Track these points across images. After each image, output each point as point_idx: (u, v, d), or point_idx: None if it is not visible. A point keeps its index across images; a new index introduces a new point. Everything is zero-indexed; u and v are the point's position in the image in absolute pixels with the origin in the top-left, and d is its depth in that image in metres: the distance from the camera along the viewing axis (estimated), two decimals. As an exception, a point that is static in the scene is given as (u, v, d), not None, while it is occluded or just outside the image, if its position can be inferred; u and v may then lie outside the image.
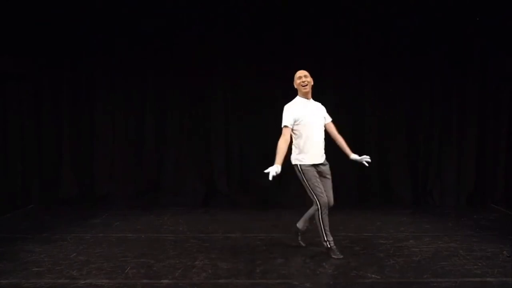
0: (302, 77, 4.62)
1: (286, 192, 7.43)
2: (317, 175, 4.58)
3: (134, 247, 4.98)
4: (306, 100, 4.66)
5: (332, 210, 4.75)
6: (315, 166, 4.58)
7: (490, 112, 7.27)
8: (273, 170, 4.19)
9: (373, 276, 4.08)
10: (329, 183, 4.67)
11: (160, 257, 4.63)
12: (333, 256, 4.57)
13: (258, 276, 4.12)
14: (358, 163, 4.81)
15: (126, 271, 4.22)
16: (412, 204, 7.30)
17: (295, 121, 4.53)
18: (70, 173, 7.37)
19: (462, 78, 7.31)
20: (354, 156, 4.78)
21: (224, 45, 7.25)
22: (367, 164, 4.81)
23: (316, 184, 4.52)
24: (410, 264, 4.39)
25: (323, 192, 4.53)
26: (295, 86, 4.71)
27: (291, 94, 6.98)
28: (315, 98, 4.80)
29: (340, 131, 4.90)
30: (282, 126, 4.54)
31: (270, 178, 4.16)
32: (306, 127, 4.54)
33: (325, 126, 4.75)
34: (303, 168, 4.55)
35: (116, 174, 7.39)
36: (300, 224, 4.90)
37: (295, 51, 7.22)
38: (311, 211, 4.72)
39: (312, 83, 4.68)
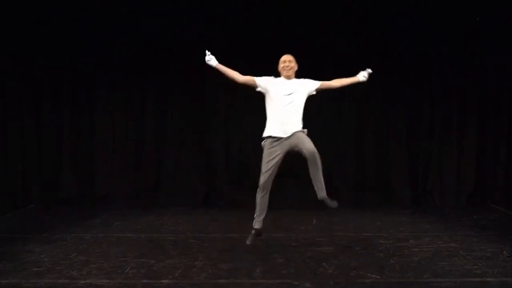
0: (286, 62, 4.72)
1: (286, 193, 7.43)
2: (273, 154, 4.57)
3: (134, 247, 4.98)
4: (285, 79, 4.73)
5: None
6: (274, 139, 4.59)
7: (490, 112, 7.27)
8: (211, 58, 4.75)
9: (373, 276, 4.08)
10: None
11: (160, 257, 4.63)
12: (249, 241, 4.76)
13: (258, 276, 4.12)
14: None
15: (126, 271, 4.22)
16: (412, 204, 7.29)
17: (264, 89, 4.69)
18: (70, 173, 7.36)
19: (462, 78, 7.31)
20: (361, 78, 4.90)
21: (224, 45, 7.23)
22: (370, 71, 4.88)
23: (265, 165, 4.59)
24: (410, 264, 4.39)
25: (266, 174, 4.58)
26: (279, 70, 4.79)
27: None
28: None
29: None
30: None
31: (207, 56, 4.69)
32: (273, 103, 4.64)
33: (323, 90, 4.80)
34: (263, 142, 4.65)
35: (116, 174, 7.38)
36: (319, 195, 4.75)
37: (295, 51, 7.18)
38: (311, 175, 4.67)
39: (296, 68, 4.76)
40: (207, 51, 4.75)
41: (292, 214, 6.62)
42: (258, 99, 7.22)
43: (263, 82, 4.71)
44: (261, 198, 4.67)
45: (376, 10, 7.08)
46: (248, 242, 4.79)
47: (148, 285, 3.92)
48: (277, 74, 4.84)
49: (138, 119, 7.42)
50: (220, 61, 7.28)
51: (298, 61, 4.77)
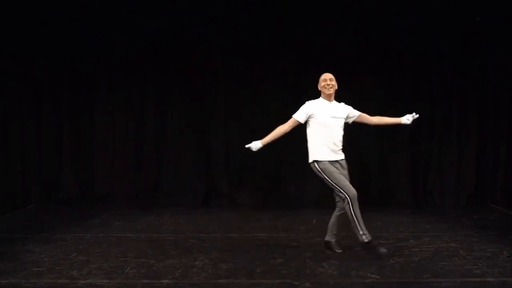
0: (327, 80, 4.64)
1: (286, 192, 7.44)
2: (337, 170, 4.56)
3: (134, 247, 4.98)
4: (327, 101, 4.67)
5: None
6: (331, 162, 4.55)
7: (490, 112, 7.27)
8: (253, 145, 4.57)
9: (373, 276, 4.08)
10: (347, 178, 4.62)
11: (160, 257, 4.62)
12: (379, 252, 4.51)
13: (258, 276, 4.12)
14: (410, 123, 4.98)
15: (126, 271, 4.22)
16: (412, 204, 7.29)
17: (308, 116, 4.57)
18: (70, 173, 7.36)
19: (462, 78, 7.31)
20: (405, 120, 4.92)
21: (224, 45, 7.25)
22: (416, 115, 4.95)
23: (339, 178, 4.49)
24: (410, 264, 4.39)
25: (349, 184, 4.49)
26: (319, 88, 4.72)
27: (291, 92, 7.04)
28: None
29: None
30: (293, 115, 4.63)
31: (251, 148, 4.56)
32: (322, 126, 4.56)
33: (358, 122, 4.83)
34: (320, 164, 4.53)
35: (116, 174, 7.38)
36: (328, 237, 4.83)
37: (295, 51, 7.22)
38: (333, 218, 4.75)
39: (336, 87, 4.70)
40: (246, 146, 4.64)
41: (292, 214, 6.62)
42: (258, 99, 7.31)
43: (305, 114, 4.59)
44: (357, 208, 4.44)
45: (376, 10, 7.08)
46: (385, 250, 4.59)
47: (148, 285, 3.91)
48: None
49: (138, 119, 7.42)
50: (220, 61, 7.37)
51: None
